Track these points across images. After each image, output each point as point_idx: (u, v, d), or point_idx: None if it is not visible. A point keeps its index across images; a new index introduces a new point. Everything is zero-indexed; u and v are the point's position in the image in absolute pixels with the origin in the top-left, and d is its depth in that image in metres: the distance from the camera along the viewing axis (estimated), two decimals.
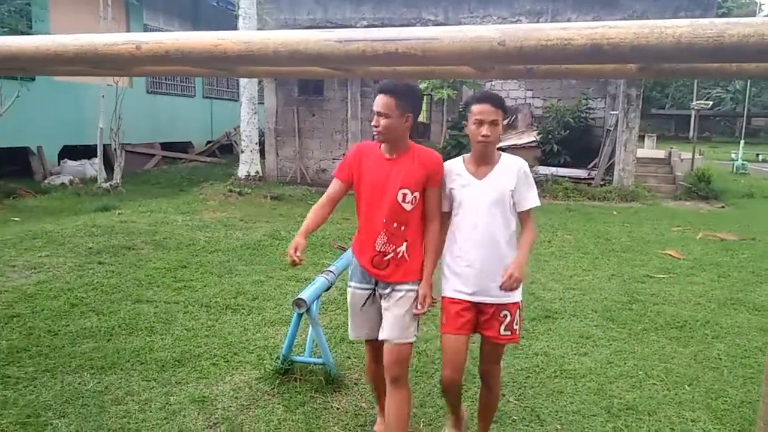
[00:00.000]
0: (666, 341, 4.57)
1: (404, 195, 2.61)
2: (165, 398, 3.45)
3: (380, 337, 2.68)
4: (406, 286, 2.67)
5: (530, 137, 14.16)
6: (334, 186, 2.77)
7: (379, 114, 2.57)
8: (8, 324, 4.44)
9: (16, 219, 8.88)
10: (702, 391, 3.73)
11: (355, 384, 3.72)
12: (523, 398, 3.58)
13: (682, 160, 14.99)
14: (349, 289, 2.84)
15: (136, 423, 3.17)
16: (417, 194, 2.64)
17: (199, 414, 3.29)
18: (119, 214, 8.79)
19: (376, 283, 2.73)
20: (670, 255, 7.52)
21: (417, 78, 13.37)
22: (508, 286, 2.59)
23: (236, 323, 4.68)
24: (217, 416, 3.26)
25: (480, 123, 2.58)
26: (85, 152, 13.76)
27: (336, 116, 14.59)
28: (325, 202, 2.76)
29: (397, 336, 2.63)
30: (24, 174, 12.73)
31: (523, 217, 2.72)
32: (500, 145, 14.51)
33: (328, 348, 3.70)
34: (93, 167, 13.09)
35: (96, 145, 12.31)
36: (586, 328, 4.79)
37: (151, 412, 3.30)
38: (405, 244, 2.66)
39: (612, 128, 13.33)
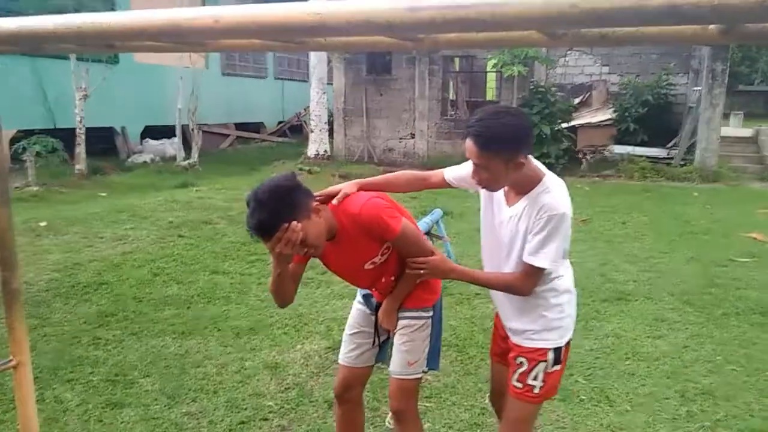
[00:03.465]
0: (747, 327, 4.36)
1: (373, 263, 2.15)
2: (240, 363, 3.63)
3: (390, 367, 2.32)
4: (410, 313, 2.26)
5: (605, 115, 13.63)
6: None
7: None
8: (97, 290, 4.76)
9: (102, 194, 9.44)
10: None
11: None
12: (592, 378, 3.52)
13: None
14: (354, 304, 2.46)
15: (214, 385, 3.35)
16: (385, 250, 2.13)
17: (271, 379, 3.44)
18: (197, 190, 9.18)
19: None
20: (755, 238, 7.11)
21: (488, 48, 13.11)
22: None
23: (306, 296, 4.82)
24: (288, 382, 3.40)
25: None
26: (164, 132, 14.41)
27: (403, 95, 14.56)
28: None
29: (398, 372, 2.25)
30: (109, 153, 13.47)
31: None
32: (574, 123, 14.13)
33: None
34: (172, 146, 13.69)
35: (175, 125, 12.87)
36: (661, 311, 4.63)
37: (227, 375, 3.48)
38: (394, 278, 2.23)
39: (694, 105, 12.63)
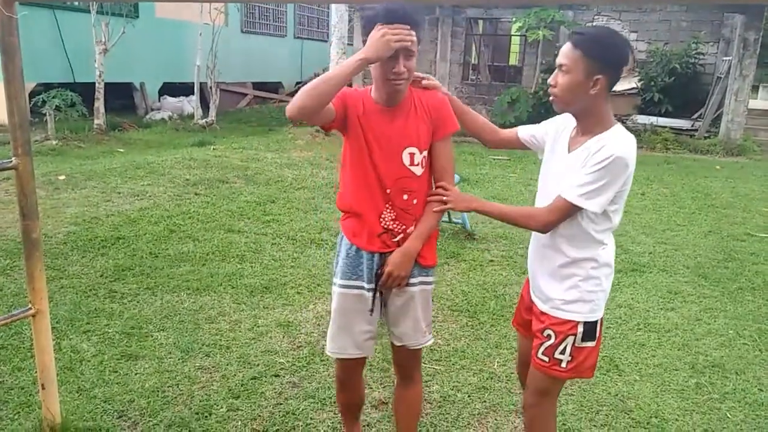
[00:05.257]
0: (762, 302, 4.32)
1: (411, 156, 2.00)
2: (253, 320, 3.68)
3: (395, 343, 2.17)
4: (418, 278, 2.09)
5: (630, 83, 13.31)
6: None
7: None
8: (114, 245, 4.82)
9: (120, 150, 9.49)
10: None
11: (432, 321, 3.78)
12: (603, 348, 3.51)
13: None
14: (336, 290, 2.13)
15: (227, 341, 3.41)
16: (425, 154, 2.03)
17: (284, 336, 3.49)
18: (214, 149, 9.19)
19: (378, 277, 2.06)
20: None
21: (519, 7, 12.79)
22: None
23: (320, 257, 4.85)
24: (300, 340, 3.45)
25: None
26: (182, 89, 14.37)
27: (424, 57, 14.33)
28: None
29: (413, 343, 2.15)
30: (127, 109, 13.50)
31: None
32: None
33: None
34: (190, 104, 13.67)
35: (193, 83, 12.82)
36: (675, 284, 4.60)
37: (240, 332, 3.53)
38: (415, 224, 2.05)
39: (723, 76, 12.29)
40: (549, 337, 1.98)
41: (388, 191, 2.00)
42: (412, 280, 2.08)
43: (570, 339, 1.95)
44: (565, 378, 2.04)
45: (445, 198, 2.03)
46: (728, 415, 2.89)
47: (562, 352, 1.95)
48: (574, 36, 1.85)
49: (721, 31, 12.98)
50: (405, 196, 2.01)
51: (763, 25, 12.26)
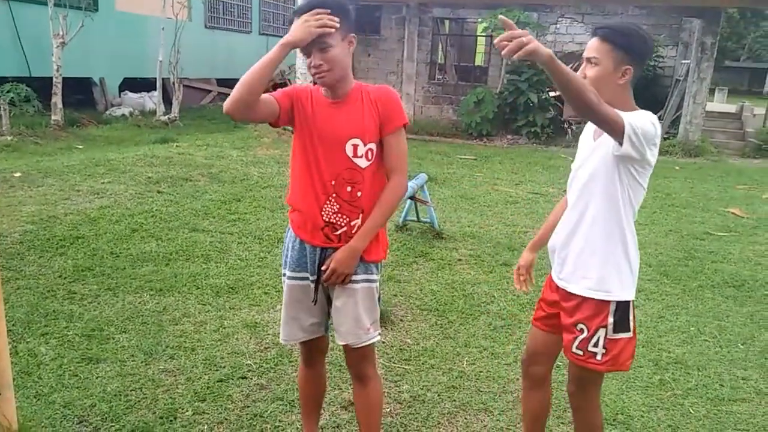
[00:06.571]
0: (722, 299, 4.44)
1: (355, 147, 2.00)
2: (219, 321, 3.60)
3: (338, 342, 2.15)
4: (362, 275, 2.09)
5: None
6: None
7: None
8: (73, 244, 4.67)
9: (79, 146, 9.22)
10: (756, 351, 3.63)
11: (401, 321, 3.78)
12: None
13: (754, 115, 14.14)
14: (285, 281, 2.17)
15: (192, 342, 3.33)
16: (373, 146, 2.02)
17: (251, 338, 3.42)
18: (177, 146, 9.00)
19: (320, 270, 2.07)
20: (733, 213, 7.21)
21: (496, 0, 12.88)
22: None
23: None
24: (267, 341, 3.39)
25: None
26: (144, 85, 14.03)
27: (391, 56, 14.35)
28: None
29: (356, 342, 2.11)
30: (86, 104, 13.11)
31: None
32: (555, 93, 14.05)
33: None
34: (152, 100, 13.37)
35: (155, 78, 12.53)
36: (638, 282, 4.66)
37: (206, 333, 3.45)
38: (361, 215, 2.05)
39: (681, 78, 12.63)
40: (582, 330, 2.00)
41: (332, 183, 2.02)
42: (356, 277, 2.08)
43: (602, 331, 1.96)
44: (602, 371, 2.03)
45: (524, 39, 1.60)
46: (691, 411, 2.96)
47: (596, 345, 1.97)
48: (600, 30, 1.93)
49: (679, 35, 13.36)
50: (349, 188, 2.02)
51: (720, 30, 12.64)
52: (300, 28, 1.88)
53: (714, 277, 4.90)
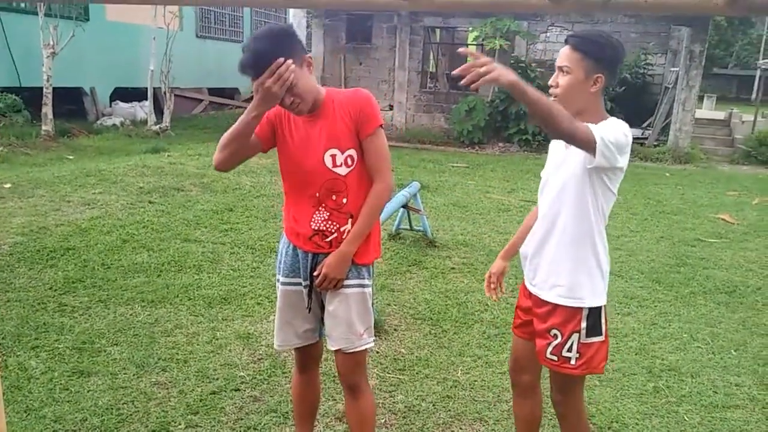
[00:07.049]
0: (714, 306, 4.46)
1: (333, 157, 2.02)
2: (212, 333, 3.58)
3: (330, 347, 2.16)
4: (354, 281, 2.11)
5: None
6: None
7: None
8: (64, 256, 4.63)
9: (70, 157, 9.17)
10: (749, 357, 3.64)
11: (395, 330, 3.77)
12: None
13: (743, 122, 14.29)
14: (279, 287, 2.21)
15: (184, 354, 3.30)
16: (352, 152, 2.04)
17: (243, 349, 3.40)
18: (168, 156, 8.96)
19: (314, 278, 2.11)
20: (724, 219, 7.26)
21: (486, 10, 12.96)
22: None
23: None
24: (261, 352, 3.37)
25: None
26: (135, 95, 14.00)
27: (383, 65, 14.38)
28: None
29: (347, 347, 2.12)
30: (77, 114, 13.05)
31: None
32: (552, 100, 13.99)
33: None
34: (143, 110, 13.33)
35: (146, 88, 12.51)
36: (631, 289, 4.70)
37: (198, 344, 3.42)
38: (350, 220, 2.08)
39: (671, 86, 12.74)
40: (555, 336, 2.02)
41: (317, 195, 2.06)
42: (348, 282, 2.10)
43: (575, 336, 1.99)
44: (577, 374, 2.05)
45: (482, 69, 1.62)
46: (686, 418, 2.96)
47: (569, 350, 1.99)
48: (571, 39, 1.94)
49: (668, 43, 13.48)
50: (334, 197, 2.06)
51: (708, 38, 12.77)
52: (265, 96, 1.85)
53: (706, 283, 4.92)
